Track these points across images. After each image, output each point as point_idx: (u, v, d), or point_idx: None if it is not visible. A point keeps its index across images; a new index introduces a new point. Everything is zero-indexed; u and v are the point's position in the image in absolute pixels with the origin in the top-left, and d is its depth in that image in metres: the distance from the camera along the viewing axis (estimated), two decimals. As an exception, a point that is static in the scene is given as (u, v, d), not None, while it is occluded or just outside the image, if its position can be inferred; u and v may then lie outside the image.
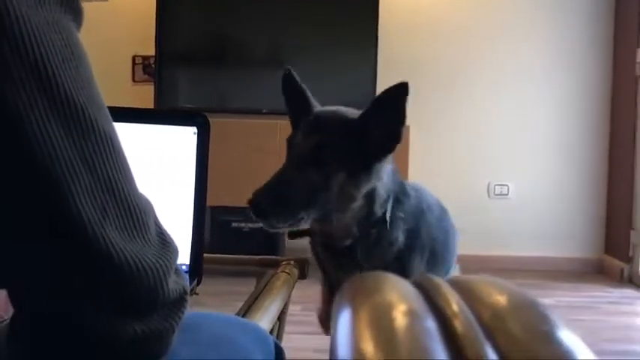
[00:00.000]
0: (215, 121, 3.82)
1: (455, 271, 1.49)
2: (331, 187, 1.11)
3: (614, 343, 2.78)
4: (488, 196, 4.12)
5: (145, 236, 0.53)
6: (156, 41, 3.92)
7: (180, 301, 0.56)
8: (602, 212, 4.16)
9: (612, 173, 4.12)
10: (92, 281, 0.51)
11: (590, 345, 0.33)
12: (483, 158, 4.14)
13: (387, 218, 1.20)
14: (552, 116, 4.15)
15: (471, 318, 0.30)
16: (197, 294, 1.00)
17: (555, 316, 0.32)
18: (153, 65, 4.04)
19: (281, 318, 1.15)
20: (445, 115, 4.07)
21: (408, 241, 1.23)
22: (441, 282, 0.32)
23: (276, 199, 1.08)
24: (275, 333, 1.23)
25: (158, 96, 3.93)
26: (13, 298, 0.53)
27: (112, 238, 0.50)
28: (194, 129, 1.00)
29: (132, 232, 0.52)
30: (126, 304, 0.52)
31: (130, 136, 0.82)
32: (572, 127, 4.15)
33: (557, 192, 4.15)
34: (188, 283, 0.62)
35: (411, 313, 0.30)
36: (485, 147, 4.14)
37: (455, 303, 0.30)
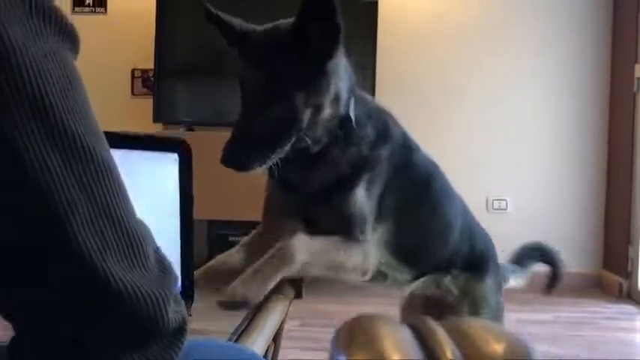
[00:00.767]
0: (213, 135, 3.80)
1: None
2: (298, 111, 1.07)
3: (612, 359, 2.77)
4: (487, 210, 4.12)
5: (145, 264, 0.53)
6: (155, 55, 3.93)
7: (180, 332, 0.56)
8: (600, 227, 4.16)
9: (610, 189, 4.12)
10: (91, 310, 0.51)
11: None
12: (481, 173, 4.13)
13: (352, 115, 1.15)
14: (550, 131, 4.16)
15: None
16: (191, 315, 1.00)
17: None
18: (152, 78, 4.05)
19: (276, 339, 1.15)
20: (442, 129, 4.08)
21: (378, 137, 1.19)
22: (437, 328, 0.32)
23: (250, 147, 1.05)
24: (270, 354, 1.22)
25: (157, 109, 3.93)
26: (14, 322, 0.53)
27: (110, 267, 0.50)
28: (175, 155, 0.98)
29: (131, 261, 0.52)
30: (125, 333, 0.52)
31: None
32: (570, 143, 4.15)
33: (555, 207, 4.15)
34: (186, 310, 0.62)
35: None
36: (484, 161, 4.14)
37: (450, 351, 0.30)
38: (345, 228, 1.14)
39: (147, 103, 4.00)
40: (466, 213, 1.44)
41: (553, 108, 4.15)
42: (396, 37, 4.06)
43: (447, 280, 1.38)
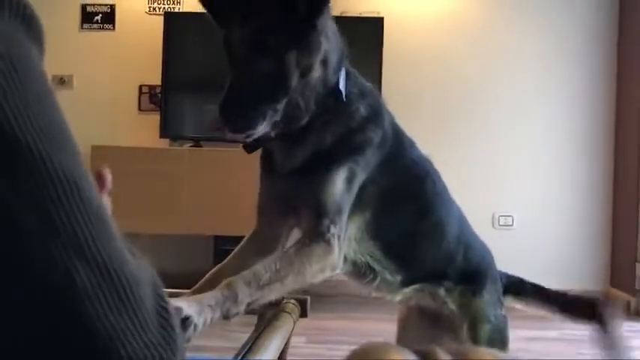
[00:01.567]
0: (220, 151, 3.80)
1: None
2: (287, 69, 1.05)
3: (620, 378, 2.74)
4: (493, 226, 4.11)
5: (136, 312, 0.43)
6: (162, 71, 3.95)
7: None
8: (607, 244, 4.14)
9: (617, 205, 4.10)
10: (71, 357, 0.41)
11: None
12: (488, 189, 4.13)
13: (342, 89, 1.13)
14: (557, 148, 4.16)
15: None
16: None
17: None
18: (159, 94, 4.08)
19: (281, 358, 1.14)
20: (450, 146, 4.08)
21: (369, 117, 1.17)
22: (446, 358, 0.32)
23: (241, 107, 1.03)
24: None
25: (164, 125, 3.95)
26: None
27: (82, 307, 0.40)
28: None
29: (115, 305, 0.42)
30: None
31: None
32: (577, 159, 4.15)
33: (561, 223, 4.13)
34: None
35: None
36: (490, 178, 4.14)
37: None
38: (314, 218, 1.11)
39: (154, 119, 4.02)
40: (462, 222, 1.42)
41: (560, 125, 4.15)
42: (401, 52, 4.08)
43: (441, 292, 1.35)
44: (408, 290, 1.35)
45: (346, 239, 1.16)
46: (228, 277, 1.05)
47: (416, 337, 1.50)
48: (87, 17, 4.19)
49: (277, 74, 1.04)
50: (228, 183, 3.51)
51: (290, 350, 1.32)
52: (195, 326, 0.89)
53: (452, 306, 1.36)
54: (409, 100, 4.03)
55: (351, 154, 1.15)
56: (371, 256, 1.25)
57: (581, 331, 3.37)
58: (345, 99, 1.14)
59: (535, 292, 1.54)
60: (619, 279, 4.01)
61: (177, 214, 3.60)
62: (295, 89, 1.07)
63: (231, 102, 1.04)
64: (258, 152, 1.26)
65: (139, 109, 4.21)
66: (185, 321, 0.87)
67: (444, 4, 4.16)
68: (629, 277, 3.84)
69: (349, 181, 1.14)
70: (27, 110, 0.40)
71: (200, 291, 1.09)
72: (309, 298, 1.28)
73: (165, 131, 3.96)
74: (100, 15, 4.18)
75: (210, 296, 0.95)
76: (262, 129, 1.05)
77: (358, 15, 4.00)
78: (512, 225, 4.13)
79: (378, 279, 1.29)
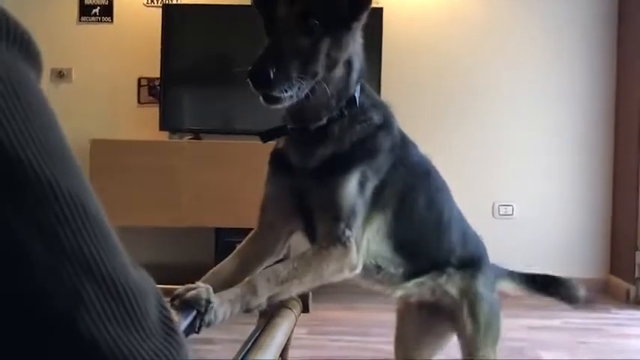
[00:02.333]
0: (220, 143, 3.80)
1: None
2: (320, 52, 1.12)
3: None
4: (493, 216, 4.12)
5: (142, 324, 0.43)
6: (161, 63, 3.94)
7: None
8: (607, 232, 4.14)
9: (617, 194, 4.11)
10: None
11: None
12: (488, 178, 4.13)
13: (357, 98, 1.22)
14: (557, 137, 4.15)
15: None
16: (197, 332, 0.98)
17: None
18: (158, 87, 4.07)
19: (283, 354, 1.15)
20: (450, 136, 4.08)
21: (381, 125, 1.25)
22: None
23: (275, 66, 1.06)
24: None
25: (163, 117, 3.94)
26: None
27: (90, 327, 0.41)
28: None
29: (123, 320, 0.42)
30: None
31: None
32: (577, 149, 4.15)
33: (561, 212, 4.14)
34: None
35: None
36: (490, 167, 4.14)
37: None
38: (330, 222, 1.16)
39: (153, 112, 4.01)
40: (459, 212, 1.50)
41: (560, 115, 4.15)
42: (401, 42, 4.07)
43: (443, 280, 1.41)
44: (409, 284, 1.38)
45: (364, 240, 1.20)
46: (227, 277, 1.14)
47: (414, 328, 1.55)
48: (85, 10, 4.18)
49: (310, 52, 1.11)
50: (228, 175, 3.51)
51: (291, 342, 1.33)
52: (216, 313, 0.95)
53: (452, 291, 1.43)
54: (409, 89, 4.02)
55: (366, 158, 1.21)
56: (381, 256, 1.29)
57: (584, 320, 3.39)
58: (360, 108, 1.22)
59: (522, 276, 1.65)
60: (619, 267, 4.02)
61: (178, 207, 3.60)
62: (321, 78, 1.13)
63: (263, 60, 1.07)
64: (261, 150, 1.27)
65: (138, 101, 4.20)
66: (208, 304, 0.93)
67: (443, -7, 4.14)
68: (629, 265, 3.85)
69: (363, 184, 1.20)
70: (29, 130, 0.40)
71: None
72: (310, 293, 1.28)
73: (164, 124, 3.95)
74: (98, 7, 4.17)
75: (231, 292, 1.01)
76: (288, 98, 1.08)
77: (357, 5, 3.98)
78: (512, 214, 4.13)
79: (382, 273, 1.33)
